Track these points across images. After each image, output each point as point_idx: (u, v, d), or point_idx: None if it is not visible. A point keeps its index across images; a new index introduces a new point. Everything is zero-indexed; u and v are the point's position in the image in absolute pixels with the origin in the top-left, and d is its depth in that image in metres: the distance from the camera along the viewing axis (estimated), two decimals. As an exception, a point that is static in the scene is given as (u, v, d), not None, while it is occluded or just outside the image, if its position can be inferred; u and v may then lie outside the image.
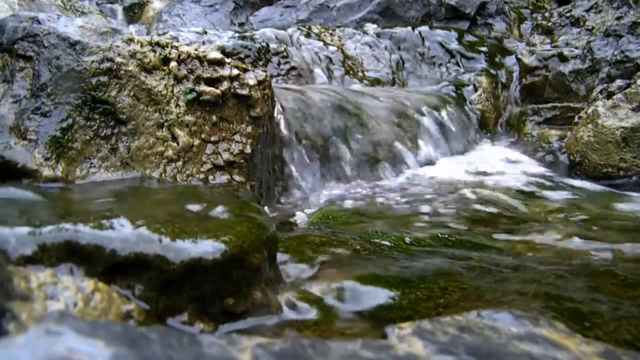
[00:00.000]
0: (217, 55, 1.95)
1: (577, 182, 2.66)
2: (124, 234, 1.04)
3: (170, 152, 1.78)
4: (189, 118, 1.84)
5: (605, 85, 2.87)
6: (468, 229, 1.93)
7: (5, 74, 1.71)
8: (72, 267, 1.00)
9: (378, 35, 4.19)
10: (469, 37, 4.33)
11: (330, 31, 4.18)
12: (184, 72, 1.88)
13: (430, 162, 2.90)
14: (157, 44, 1.88)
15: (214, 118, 1.91)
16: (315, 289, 1.25)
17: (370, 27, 4.09)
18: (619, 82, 2.80)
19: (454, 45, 4.18)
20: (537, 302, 1.16)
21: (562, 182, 2.67)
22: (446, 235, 1.77)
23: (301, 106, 2.63)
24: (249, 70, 2.03)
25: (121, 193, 1.49)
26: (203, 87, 1.89)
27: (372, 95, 3.15)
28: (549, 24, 3.94)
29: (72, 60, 1.71)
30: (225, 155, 1.90)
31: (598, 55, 3.24)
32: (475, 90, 3.67)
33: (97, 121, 1.70)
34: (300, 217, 2.08)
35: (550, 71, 3.45)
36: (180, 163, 1.80)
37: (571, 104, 3.31)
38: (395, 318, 1.11)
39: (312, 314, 1.15)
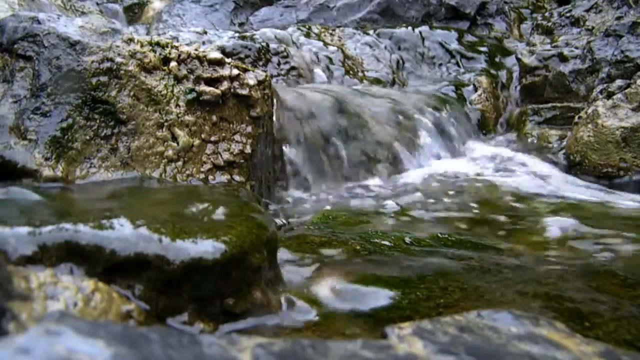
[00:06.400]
0: (217, 55, 1.95)
1: (577, 182, 2.66)
2: (124, 233, 1.04)
3: (170, 152, 1.78)
4: (189, 118, 1.84)
5: (605, 85, 2.87)
6: (468, 229, 1.93)
7: (5, 74, 1.71)
8: (72, 267, 1.00)
9: (378, 35, 4.19)
10: (469, 37, 4.32)
11: (330, 31, 4.18)
12: (184, 72, 1.88)
13: (430, 162, 2.90)
14: (157, 44, 1.88)
15: (214, 118, 1.91)
16: (315, 288, 1.25)
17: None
18: (619, 82, 2.80)
19: (454, 45, 4.18)
20: (537, 302, 1.16)
21: (562, 182, 2.66)
22: (446, 235, 1.77)
23: (301, 106, 2.63)
24: (249, 70, 2.03)
25: (121, 193, 1.49)
26: (203, 87, 1.89)
27: (372, 95, 3.15)
28: (549, 24, 3.94)
29: (72, 60, 1.71)
30: (225, 155, 1.89)
31: (598, 55, 3.23)
32: (475, 90, 3.66)
33: (97, 121, 1.70)
34: (300, 216, 2.08)
35: (550, 71, 3.45)
36: (180, 163, 1.80)
37: (571, 104, 3.31)
38: (395, 318, 1.11)
39: (312, 314, 1.15)
